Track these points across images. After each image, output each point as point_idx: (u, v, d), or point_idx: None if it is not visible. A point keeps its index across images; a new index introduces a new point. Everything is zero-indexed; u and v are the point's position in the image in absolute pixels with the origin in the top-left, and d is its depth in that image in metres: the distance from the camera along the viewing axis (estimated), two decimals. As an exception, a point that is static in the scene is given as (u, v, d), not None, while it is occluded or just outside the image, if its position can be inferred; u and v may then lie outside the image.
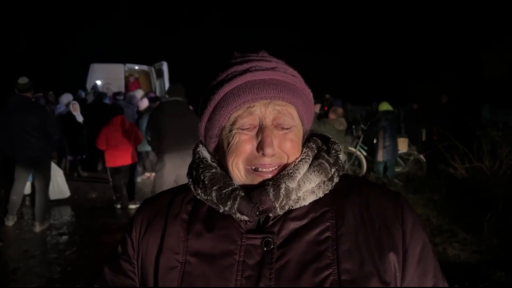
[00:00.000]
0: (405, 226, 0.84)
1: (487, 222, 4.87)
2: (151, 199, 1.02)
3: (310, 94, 0.94)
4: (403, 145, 8.67)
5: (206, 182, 0.88)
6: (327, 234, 0.82)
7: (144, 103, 8.81)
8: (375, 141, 7.99)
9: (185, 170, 4.22)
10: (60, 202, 6.75)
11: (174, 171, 5.17)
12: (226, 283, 0.80)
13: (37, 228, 5.47)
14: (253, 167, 0.86)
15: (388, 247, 0.81)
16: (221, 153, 0.92)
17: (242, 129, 0.85)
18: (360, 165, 8.75)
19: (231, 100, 0.85)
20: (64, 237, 5.38)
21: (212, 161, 0.95)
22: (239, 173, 0.87)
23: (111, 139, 6.26)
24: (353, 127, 10.23)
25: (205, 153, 0.97)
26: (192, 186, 0.93)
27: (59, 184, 6.75)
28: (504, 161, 6.27)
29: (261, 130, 0.84)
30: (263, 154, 0.83)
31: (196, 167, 0.94)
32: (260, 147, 0.83)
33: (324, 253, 0.80)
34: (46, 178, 5.65)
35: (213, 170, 0.90)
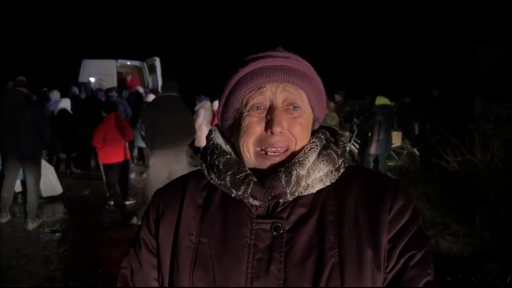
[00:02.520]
0: (393, 208, 0.88)
1: (479, 215, 4.91)
2: (166, 187, 1.06)
3: (321, 84, 0.98)
4: (396, 139, 8.70)
5: (221, 167, 0.91)
6: (330, 218, 0.87)
7: (150, 99, 8.87)
8: (370, 134, 7.99)
9: (179, 166, 4.27)
10: (52, 200, 6.71)
11: (167, 167, 5.14)
12: (239, 264, 0.85)
13: (30, 226, 5.44)
14: (262, 149, 0.90)
15: (382, 230, 0.86)
16: (235, 137, 0.95)
17: (253, 110, 0.90)
18: (353, 159, 8.77)
19: (245, 84, 0.90)
20: (57, 235, 5.34)
21: (226, 147, 0.98)
22: (249, 154, 0.91)
23: (107, 136, 6.23)
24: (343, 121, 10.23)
25: (219, 140, 0.99)
26: (206, 171, 0.96)
27: (51, 181, 6.70)
28: (495, 154, 6.31)
29: (270, 110, 0.88)
30: (272, 133, 0.87)
31: (211, 153, 0.96)
32: (268, 126, 0.87)
33: (327, 236, 0.85)
34: (37, 175, 5.61)
35: (228, 156, 0.93)
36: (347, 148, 0.98)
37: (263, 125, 0.89)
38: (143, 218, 1.03)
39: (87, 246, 4.92)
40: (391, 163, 8.68)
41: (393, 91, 13.75)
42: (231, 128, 0.97)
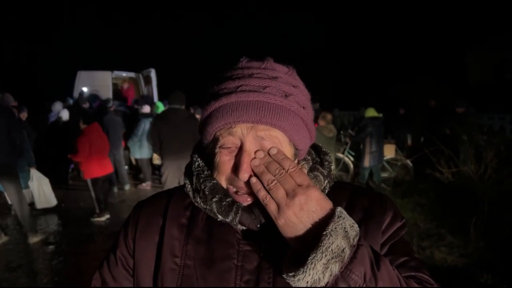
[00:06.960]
0: (385, 220, 0.91)
1: (473, 225, 4.93)
2: (147, 201, 1.02)
3: (305, 115, 0.89)
4: (390, 151, 8.74)
5: (207, 192, 0.88)
6: None
7: (146, 109, 8.91)
8: (361, 146, 8.04)
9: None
10: (46, 211, 6.65)
11: (176, 179, 5.36)
12: (226, 286, 0.83)
13: (30, 240, 5.30)
14: (234, 189, 0.86)
15: (373, 240, 0.87)
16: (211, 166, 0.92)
17: (223, 149, 0.86)
18: (347, 170, 8.80)
19: (215, 120, 0.85)
20: (51, 247, 5.29)
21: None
22: (224, 187, 0.88)
23: (92, 149, 5.98)
24: (341, 132, 10.29)
25: (202, 162, 0.96)
26: (191, 193, 0.93)
27: (45, 193, 6.62)
28: (489, 165, 6.35)
29: (240, 152, 0.83)
30: (239, 178, 0.82)
31: (197, 176, 0.93)
32: (236, 170, 0.83)
33: None
34: (16, 186, 5.27)
35: (214, 181, 0.89)
36: (332, 167, 0.97)
37: (232, 164, 0.85)
38: (121, 232, 0.99)
39: (81, 258, 4.88)
40: (385, 175, 8.72)
41: (388, 101, 13.86)
42: (210, 155, 0.93)
